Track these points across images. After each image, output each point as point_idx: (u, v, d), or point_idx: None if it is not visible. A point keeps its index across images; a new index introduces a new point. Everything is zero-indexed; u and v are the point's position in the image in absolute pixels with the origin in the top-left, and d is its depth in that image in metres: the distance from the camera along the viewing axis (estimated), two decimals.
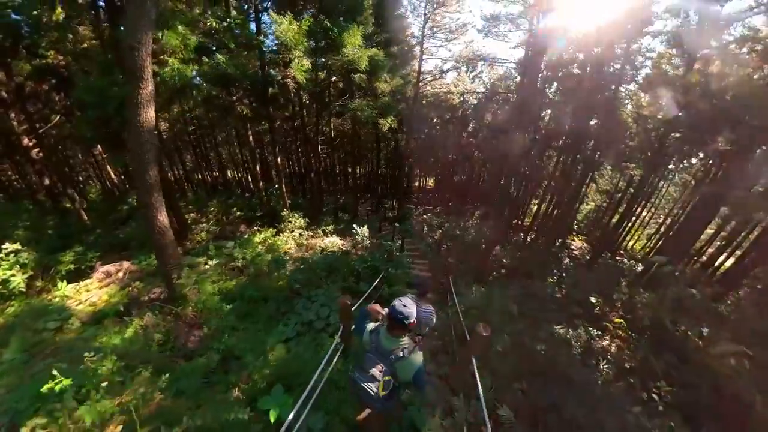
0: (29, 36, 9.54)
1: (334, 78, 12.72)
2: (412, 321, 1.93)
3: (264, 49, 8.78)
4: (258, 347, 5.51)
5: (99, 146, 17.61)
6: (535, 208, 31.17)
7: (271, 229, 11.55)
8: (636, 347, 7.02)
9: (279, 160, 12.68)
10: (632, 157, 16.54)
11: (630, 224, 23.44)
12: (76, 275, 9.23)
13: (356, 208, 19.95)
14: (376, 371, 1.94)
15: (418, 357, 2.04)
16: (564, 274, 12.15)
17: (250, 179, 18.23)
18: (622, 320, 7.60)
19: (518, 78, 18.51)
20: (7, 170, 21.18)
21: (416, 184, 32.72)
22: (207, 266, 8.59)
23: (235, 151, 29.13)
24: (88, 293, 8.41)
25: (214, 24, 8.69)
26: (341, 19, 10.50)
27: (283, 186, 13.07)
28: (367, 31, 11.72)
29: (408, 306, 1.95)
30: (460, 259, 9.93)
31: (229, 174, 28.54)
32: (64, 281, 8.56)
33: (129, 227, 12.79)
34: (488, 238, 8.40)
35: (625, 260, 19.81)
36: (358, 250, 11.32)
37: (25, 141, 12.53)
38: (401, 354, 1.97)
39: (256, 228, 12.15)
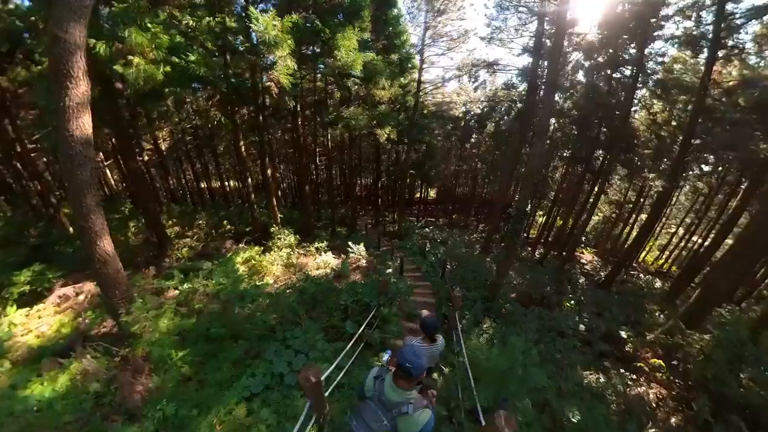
0: (27, 41, 8.95)
1: (327, 84, 11.74)
2: (421, 374, 1.76)
3: (242, 49, 7.74)
4: (212, 407, 4.27)
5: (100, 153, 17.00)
6: (541, 219, 29.90)
7: (256, 247, 10.37)
8: (679, 395, 5.64)
9: (269, 171, 11.59)
10: (644, 166, 15.30)
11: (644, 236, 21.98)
12: (33, 297, 8.05)
13: (355, 222, 18.79)
14: (375, 424, 1.76)
15: (425, 416, 1.79)
16: (582, 298, 10.78)
17: (246, 191, 17.21)
18: (661, 362, 6.17)
19: (522, 86, 17.51)
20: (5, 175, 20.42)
21: (418, 196, 31.53)
22: (176, 292, 7.41)
23: (235, 162, 28.44)
24: (39, 320, 7.25)
25: (191, 22, 7.71)
26: (336, 21, 9.56)
27: (274, 200, 11.96)
28: (364, 36, 10.76)
29: (420, 356, 1.79)
30: (466, 284, 8.64)
31: (230, 185, 27.78)
32: (14, 306, 7.38)
33: (112, 236, 11.63)
34: (500, 264, 7.19)
35: (641, 275, 18.32)
36: (352, 272, 10.08)
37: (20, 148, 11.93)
38: (406, 410, 1.75)
39: (241, 246, 10.98)
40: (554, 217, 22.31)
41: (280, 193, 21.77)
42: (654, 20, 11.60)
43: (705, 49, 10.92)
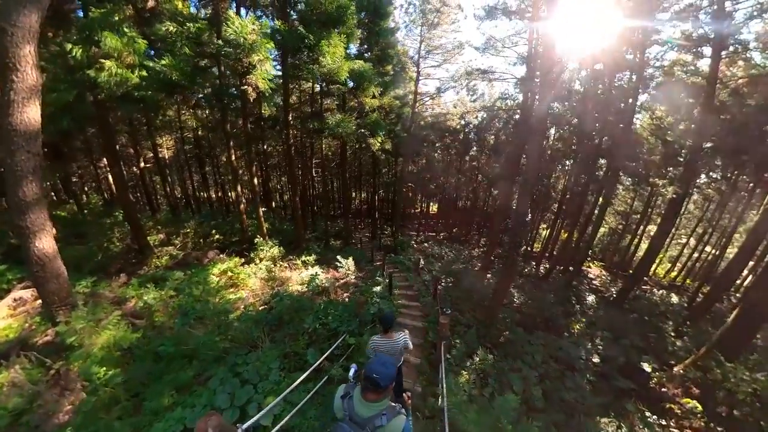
0: None
1: (315, 94, 11.11)
2: (390, 384, 1.66)
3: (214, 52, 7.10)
4: None
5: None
6: (545, 233, 28.48)
7: (236, 259, 9.48)
8: None
9: (256, 180, 10.84)
10: (650, 173, 14.18)
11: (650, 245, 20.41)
12: None
13: (350, 235, 17.83)
14: None
15: (400, 422, 1.68)
16: (594, 319, 9.49)
17: (236, 201, 16.55)
18: (696, 403, 4.91)
19: (519, 96, 16.79)
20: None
21: (418, 210, 30.54)
22: (139, 302, 6.50)
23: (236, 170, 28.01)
24: None
25: (171, 28, 7.17)
26: (319, 28, 8.98)
27: (260, 210, 11.15)
28: (351, 44, 10.16)
29: (387, 365, 1.68)
30: (461, 306, 7.47)
31: (231, 196, 27.22)
32: None
33: (94, 241, 10.89)
34: (498, 282, 6.03)
35: (654, 289, 16.74)
36: (338, 288, 9.05)
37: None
38: (380, 423, 1.63)
39: (221, 256, 10.10)
40: (558, 230, 21.03)
41: (274, 204, 20.96)
42: (651, 24, 10.88)
43: (705, 49, 10.25)
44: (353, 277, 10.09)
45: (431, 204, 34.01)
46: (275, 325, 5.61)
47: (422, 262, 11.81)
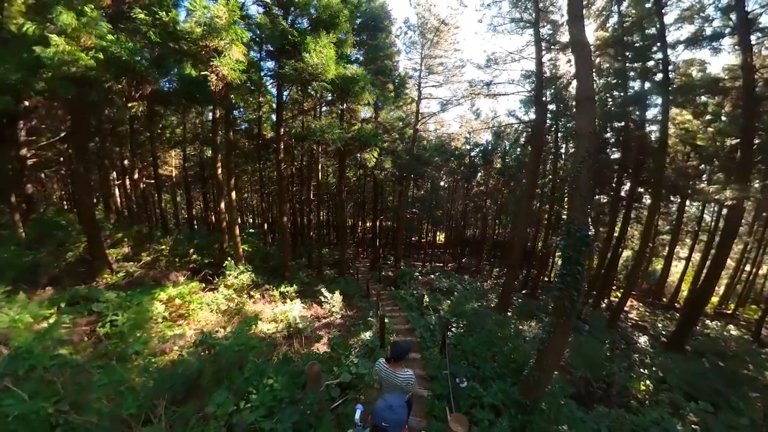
0: None
1: (305, 103, 9.69)
2: (401, 429, 1.35)
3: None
4: None
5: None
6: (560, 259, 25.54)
7: (194, 283, 7.44)
8: None
9: (233, 195, 9.11)
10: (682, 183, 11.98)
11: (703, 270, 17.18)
12: None
13: (346, 264, 15.58)
14: None
15: None
16: (660, 372, 6.82)
17: (219, 219, 14.89)
18: None
19: (528, 112, 15.31)
20: None
21: (424, 239, 28.23)
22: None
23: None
24: None
25: (141, 15, 5.93)
26: (307, 28, 7.74)
27: (237, 229, 9.22)
28: (344, 50, 8.91)
29: (396, 409, 1.37)
30: (481, 366, 4.88)
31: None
32: None
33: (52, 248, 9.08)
34: (547, 348, 3.46)
35: (707, 322, 13.50)
36: (320, 330, 6.81)
37: (23, 151, 10.87)
38: None
39: (181, 278, 8.05)
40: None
41: (266, 226, 19.05)
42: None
43: (723, 43, 9.42)
44: (340, 315, 7.79)
45: (438, 232, 31.68)
46: (185, 391, 3.37)
47: (426, 298, 9.36)
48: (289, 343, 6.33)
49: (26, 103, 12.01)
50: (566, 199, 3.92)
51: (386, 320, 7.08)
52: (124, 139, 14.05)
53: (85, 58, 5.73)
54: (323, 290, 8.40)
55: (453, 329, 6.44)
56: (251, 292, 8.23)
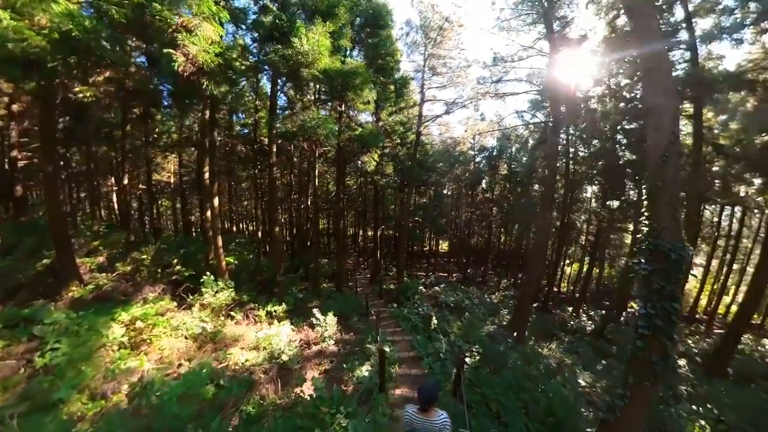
0: None
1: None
2: None
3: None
4: None
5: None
6: (571, 270, 24.22)
7: (164, 301, 6.35)
8: None
9: (216, 202, 8.05)
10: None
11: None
12: None
13: (345, 277, 14.40)
14: None
15: None
16: (715, 409, 5.64)
17: (204, 227, 13.79)
18: None
19: (533, 116, 14.37)
20: None
21: (427, 248, 27.02)
22: None
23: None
24: None
25: None
26: (299, 11, 6.86)
27: (219, 239, 8.13)
28: (341, 42, 8.00)
29: None
30: (509, 416, 3.67)
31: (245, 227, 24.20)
32: None
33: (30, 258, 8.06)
34: (618, 421, 2.35)
35: (745, 338, 12.11)
36: (308, 362, 5.69)
37: (14, 153, 10.73)
38: None
39: (151, 295, 6.92)
40: (591, 266, 17.07)
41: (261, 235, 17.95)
42: None
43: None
44: (333, 340, 6.61)
45: (441, 241, 30.43)
46: None
47: (435, 319, 8.16)
48: (271, 378, 5.17)
49: (15, 105, 11.41)
50: (644, 202, 2.94)
51: (387, 348, 5.91)
52: (118, 143, 13.30)
53: (35, 37, 4.82)
54: (315, 312, 7.24)
55: (468, 363, 5.24)
56: (232, 312, 7.08)
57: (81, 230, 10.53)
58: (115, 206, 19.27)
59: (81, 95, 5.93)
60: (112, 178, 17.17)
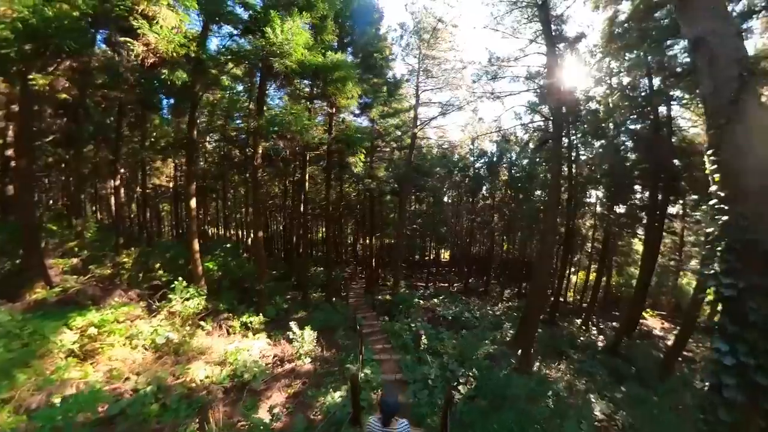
0: None
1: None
2: None
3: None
4: None
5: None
6: (577, 278, 23.04)
7: (128, 308, 5.78)
8: None
9: (193, 202, 7.55)
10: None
11: None
12: None
13: (338, 286, 13.68)
14: None
15: None
16: None
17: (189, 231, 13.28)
18: None
19: (532, 120, 13.81)
20: None
21: (427, 257, 26.19)
22: None
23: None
24: None
25: None
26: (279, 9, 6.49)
27: (196, 243, 7.58)
28: (323, 37, 7.59)
29: None
30: None
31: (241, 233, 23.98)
32: None
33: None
34: None
35: None
36: (276, 383, 5.00)
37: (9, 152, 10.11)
38: None
39: (116, 299, 6.34)
40: (599, 274, 16.11)
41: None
42: None
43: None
44: (309, 358, 5.89)
45: (442, 251, 29.50)
46: None
47: (424, 338, 7.30)
48: (229, 400, 4.49)
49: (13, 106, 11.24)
50: (711, 165, 1.97)
51: (369, 370, 5.18)
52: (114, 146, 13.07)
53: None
54: (292, 324, 6.54)
55: (460, 388, 4.44)
56: (203, 322, 6.44)
57: (57, 231, 10.09)
58: (112, 208, 19.06)
59: (35, 84, 5.55)
60: (111, 181, 16.96)
